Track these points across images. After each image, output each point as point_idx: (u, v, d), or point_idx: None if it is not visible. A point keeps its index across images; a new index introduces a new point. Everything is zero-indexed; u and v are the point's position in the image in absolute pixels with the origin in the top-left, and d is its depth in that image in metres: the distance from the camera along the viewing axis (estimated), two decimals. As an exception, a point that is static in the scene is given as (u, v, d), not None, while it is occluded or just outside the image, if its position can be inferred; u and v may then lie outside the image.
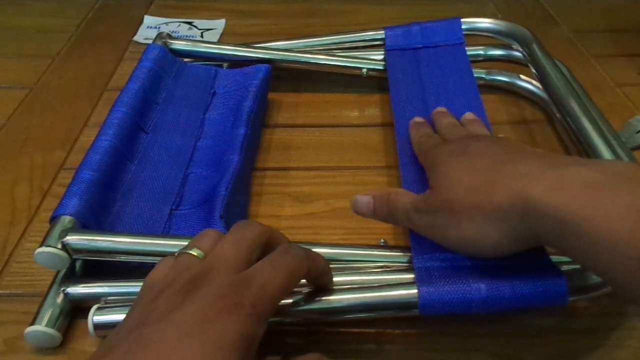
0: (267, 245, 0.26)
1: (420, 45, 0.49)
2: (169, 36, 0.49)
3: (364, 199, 0.33)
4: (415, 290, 0.28)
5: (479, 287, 0.27)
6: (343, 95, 0.51)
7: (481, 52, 0.49)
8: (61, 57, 0.57)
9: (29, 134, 0.46)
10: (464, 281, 0.28)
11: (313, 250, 0.27)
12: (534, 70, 0.45)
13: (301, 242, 0.33)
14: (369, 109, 0.49)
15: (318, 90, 0.51)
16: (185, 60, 0.49)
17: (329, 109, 0.49)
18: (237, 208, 0.36)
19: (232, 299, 0.22)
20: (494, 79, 0.50)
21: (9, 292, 0.33)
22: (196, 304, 0.21)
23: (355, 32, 0.51)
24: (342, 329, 0.31)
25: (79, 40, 0.60)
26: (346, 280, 0.30)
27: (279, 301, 0.24)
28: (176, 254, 0.26)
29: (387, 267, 0.31)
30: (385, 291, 0.28)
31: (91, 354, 0.22)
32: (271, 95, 0.49)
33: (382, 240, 0.35)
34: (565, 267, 0.29)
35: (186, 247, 0.26)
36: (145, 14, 0.65)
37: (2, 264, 0.35)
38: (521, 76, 0.50)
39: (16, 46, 0.59)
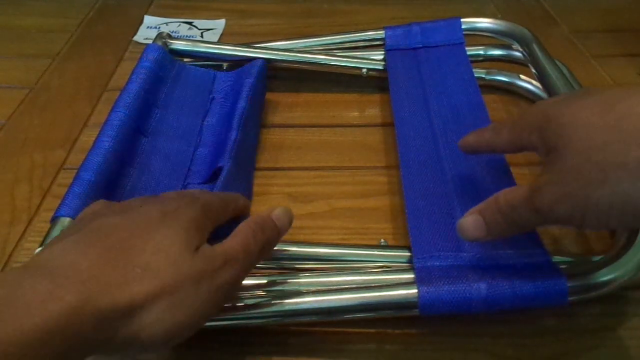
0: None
1: (421, 45, 0.49)
2: (169, 36, 0.49)
3: (470, 219, 0.27)
4: (415, 290, 0.28)
5: (479, 287, 0.27)
6: (343, 95, 0.51)
7: (481, 52, 0.49)
8: (61, 57, 0.57)
9: (29, 134, 0.46)
10: (464, 281, 0.28)
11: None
12: (534, 70, 0.45)
13: (301, 242, 0.33)
14: (369, 109, 0.49)
15: (318, 90, 0.51)
16: (185, 60, 0.49)
17: (329, 109, 0.49)
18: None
19: (187, 199, 0.27)
20: (494, 78, 0.50)
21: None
22: (155, 203, 0.27)
23: (355, 32, 0.51)
24: (342, 328, 0.31)
25: (79, 40, 0.60)
26: (346, 280, 0.30)
27: (218, 219, 0.28)
28: None
29: (387, 267, 0.31)
30: (385, 291, 0.28)
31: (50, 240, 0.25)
32: (270, 96, 0.49)
33: (382, 240, 0.35)
34: (565, 267, 0.29)
35: None
36: (145, 14, 0.65)
37: (2, 264, 0.35)
38: (521, 76, 0.49)
39: (16, 46, 0.59)
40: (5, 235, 0.37)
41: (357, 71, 0.49)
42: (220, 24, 0.63)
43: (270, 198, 0.40)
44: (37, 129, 0.46)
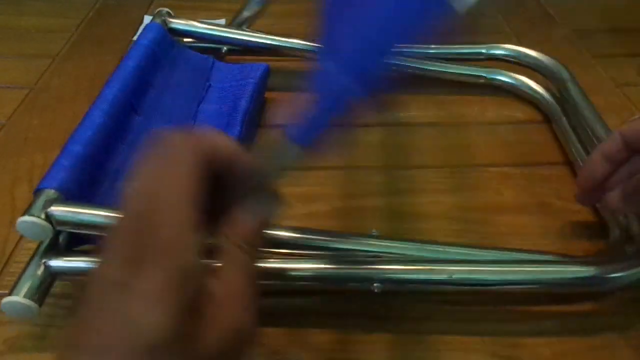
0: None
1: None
2: (169, 14, 0.48)
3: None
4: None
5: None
6: (343, 95, 0.51)
7: (483, 51, 0.49)
8: (61, 57, 0.57)
9: (29, 134, 0.46)
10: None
11: None
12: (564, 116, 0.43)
13: (290, 227, 0.32)
14: (368, 109, 0.49)
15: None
16: (185, 40, 0.48)
17: (329, 109, 0.49)
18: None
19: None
20: (494, 78, 0.50)
21: (8, 292, 0.33)
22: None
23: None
24: (342, 328, 0.31)
25: (79, 40, 0.60)
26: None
27: None
28: None
29: (378, 257, 0.31)
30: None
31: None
32: (269, 94, 0.49)
33: (374, 230, 0.34)
34: (566, 262, 0.29)
35: None
36: (145, 14, 0.64)
37: (2, 264, 0.35)
38: (521, 76, 0.49)
39: (16, 46, 0.59)
40: (5, 235, 0.37)
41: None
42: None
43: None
44: (37, 129, 0.46)
